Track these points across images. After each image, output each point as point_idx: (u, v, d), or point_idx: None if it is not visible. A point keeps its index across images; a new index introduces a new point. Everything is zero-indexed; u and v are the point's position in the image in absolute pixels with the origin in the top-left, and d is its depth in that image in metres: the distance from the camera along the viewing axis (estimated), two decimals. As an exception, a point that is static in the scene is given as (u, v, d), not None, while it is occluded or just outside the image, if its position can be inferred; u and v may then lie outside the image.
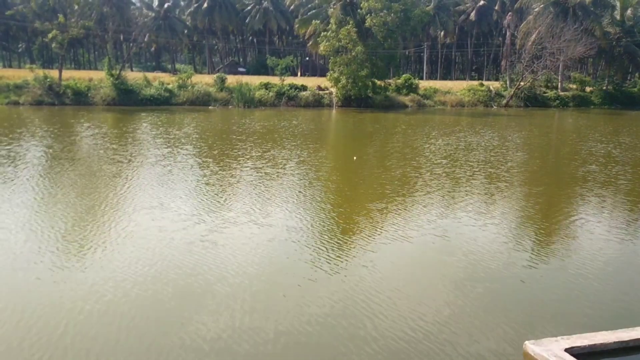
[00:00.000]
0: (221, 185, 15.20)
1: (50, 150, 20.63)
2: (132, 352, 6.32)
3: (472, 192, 15.22)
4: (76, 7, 46.27)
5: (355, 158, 20.66)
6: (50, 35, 43.32)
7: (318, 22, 52.85)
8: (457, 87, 55.18)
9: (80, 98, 42.51)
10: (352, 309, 7.57)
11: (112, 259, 9.16)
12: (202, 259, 9.28)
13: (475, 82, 59.95)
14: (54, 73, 44.75)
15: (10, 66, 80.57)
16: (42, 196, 13.50)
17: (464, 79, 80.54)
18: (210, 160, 19.38)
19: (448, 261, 9.54)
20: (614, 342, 6.62)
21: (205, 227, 11.06)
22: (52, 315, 7.08)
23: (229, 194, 14.21)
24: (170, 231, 10.72)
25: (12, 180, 15.18)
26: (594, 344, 6.55)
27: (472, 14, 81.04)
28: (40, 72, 43.60)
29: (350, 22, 45.89)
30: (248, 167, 18.00)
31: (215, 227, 11.09)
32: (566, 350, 6.38)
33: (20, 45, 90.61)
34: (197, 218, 11.75)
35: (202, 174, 16.82)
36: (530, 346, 6.52)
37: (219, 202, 13.38)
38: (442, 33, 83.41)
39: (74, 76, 47.71)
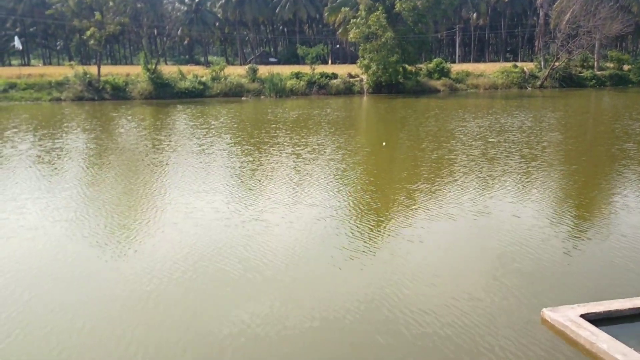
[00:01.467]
0: (265, 171, 15.88)
1: (101, 142, 21.73)
2: (212, 320, 7.00)
3: (510, 171, 15.50)
4: (111, 4, 47.58)
5: (384, 144, 20.97)
6: (88, 33, 44.73)
7: (347, 9, 52.88)
8: (490, 70, 54.51)
9: (119, 93, 43.93)
10: (404, 280, 8.09)
11: (179, 238, 9.92)
12: (258, 236, 9.97)
13: (509, 64, 58.88)
14: (92, 69, 46.31)
15: (50, 63, 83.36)
16: (101, 184, 14.45)
17: (498, 61, 79.10)
18: (251, 147, 20.11)
19: (492, 236, 9.96)
20: (629, 309, 6.74)
21: (256, 209, 11.75)
22: (134, 290, 7.82)
23: (274, 178, 14.88)
24: (226, 212, 11.46)
25: (70, 170, 16.22)
26: (610, 310, 6.69)
27: (504, -5, 79.64)
28: (80, 69, 45.21)
29: (380, 8, 45.86)
30: (288, 153, 18.65)
31: (265, 208, 11.77)
32: (581, 316, 6.54)
33: (58, 42, 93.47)
34: (247, 200, 12.47)
35: (245, 160, 17.54)
36: (548, 313, 6.70)
37: (265, 185, 14.07)
38: (475, 15, 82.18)
39: (111, 72, 49.29)
